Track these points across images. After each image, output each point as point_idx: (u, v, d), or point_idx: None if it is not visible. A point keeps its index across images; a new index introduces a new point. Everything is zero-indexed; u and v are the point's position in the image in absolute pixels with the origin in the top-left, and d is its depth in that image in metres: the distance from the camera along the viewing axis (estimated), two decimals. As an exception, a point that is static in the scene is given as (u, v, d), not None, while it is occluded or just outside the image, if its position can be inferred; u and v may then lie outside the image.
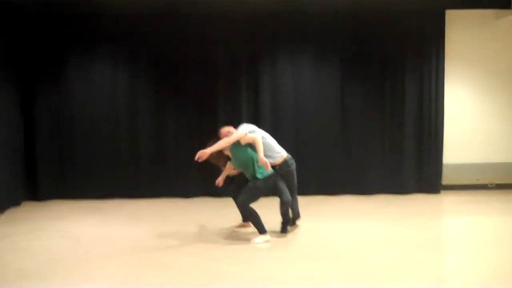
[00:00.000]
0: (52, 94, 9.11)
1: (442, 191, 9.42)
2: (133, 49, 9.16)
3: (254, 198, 6.20)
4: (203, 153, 5.90)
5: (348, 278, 4.82)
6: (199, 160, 5.96)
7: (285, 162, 6.41)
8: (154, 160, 9.28)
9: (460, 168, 9.63)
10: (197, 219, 7.18)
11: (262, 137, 6.28)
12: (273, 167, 6.30)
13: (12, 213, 8.10)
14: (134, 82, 9.25)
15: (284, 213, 6.44)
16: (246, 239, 6.23)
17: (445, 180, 9.52)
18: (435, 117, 9.39)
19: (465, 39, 9.57)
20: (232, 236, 6.48)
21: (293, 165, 6.54)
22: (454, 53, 9.53)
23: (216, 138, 6.29)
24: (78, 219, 7.66)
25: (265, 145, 6.23)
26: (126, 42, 9.14)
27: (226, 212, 7.22)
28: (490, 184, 9.63)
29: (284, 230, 6.52)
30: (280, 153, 6.43)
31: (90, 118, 9.17)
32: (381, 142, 9.37)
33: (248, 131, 6.19)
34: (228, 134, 6.28)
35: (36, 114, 9.09)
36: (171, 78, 9.20)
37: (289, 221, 6.57)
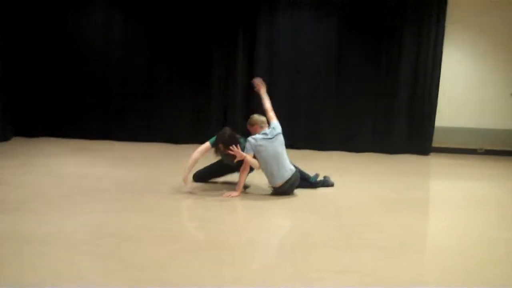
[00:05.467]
0: (45, 32, 9.03)
1: (431, 153, 9.44)
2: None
3: None
4: (230, 195, 5.83)
5: (329, 231, 4.84)
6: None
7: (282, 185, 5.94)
8: (145, 105, 9.27)
9: (451, 131, 9.64)
10: (184, 165, 7.14)
11: (267, 155, 5.88)
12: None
13: (0, 147, 8.08)
14: (128, 29, 9.24)
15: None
16: (223, 191, 6.23)
17: (435, 143, 9.53)
18: (431, 79, 9.33)
19: (467, 3, 9.43)
20: (217, 184, 6.48)
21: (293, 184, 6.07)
22: (456, 17, 9.39)
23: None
24: (66, 157, 7.68)
25: (274, 163, 5.89)
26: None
27: (213, 159, 7.19)
28: (480, 149, 9.64)
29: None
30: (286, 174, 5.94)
31: (82, 60, 9.20)
32: (375, 100, 9.35)
33: (252, 152, 5.84)
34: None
35: (28, 52, 9.01)
36: (165, 26, 9.17)
37: None
